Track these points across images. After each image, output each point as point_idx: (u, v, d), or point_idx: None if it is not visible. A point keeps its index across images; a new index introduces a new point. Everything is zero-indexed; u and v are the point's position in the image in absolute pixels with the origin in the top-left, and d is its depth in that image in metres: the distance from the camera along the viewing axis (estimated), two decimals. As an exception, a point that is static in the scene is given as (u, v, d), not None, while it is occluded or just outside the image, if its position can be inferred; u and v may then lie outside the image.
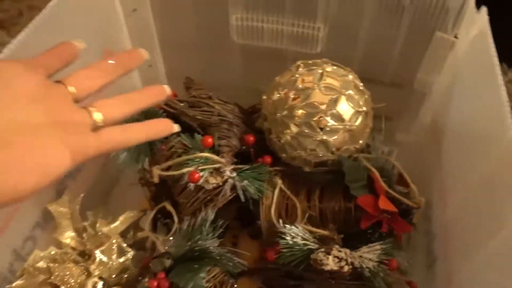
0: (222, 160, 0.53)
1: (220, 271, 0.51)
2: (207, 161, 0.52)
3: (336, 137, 0.53)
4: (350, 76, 0.54)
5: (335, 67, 0.54)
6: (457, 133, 0.52)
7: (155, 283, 0.49)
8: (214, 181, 0.53)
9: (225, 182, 0.54)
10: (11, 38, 0.46)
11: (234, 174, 0.54)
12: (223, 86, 0.64)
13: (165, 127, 0.43)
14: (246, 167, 0.55)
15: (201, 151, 0.53)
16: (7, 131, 0.30)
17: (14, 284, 0.53)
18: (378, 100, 0.56)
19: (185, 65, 0.69)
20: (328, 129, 0.52)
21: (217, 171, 0.54)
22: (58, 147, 0.32)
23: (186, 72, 0.67)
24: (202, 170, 0.52)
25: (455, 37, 0.52)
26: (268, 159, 0.57)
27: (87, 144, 0.34)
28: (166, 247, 0.55)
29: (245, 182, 0.54)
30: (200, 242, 0.50)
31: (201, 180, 0.52)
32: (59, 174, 0.32)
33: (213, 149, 0.55)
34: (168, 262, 0.51)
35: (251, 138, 0.57)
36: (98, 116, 0.36)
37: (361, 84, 0.54)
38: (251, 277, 0.58)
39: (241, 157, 0.58)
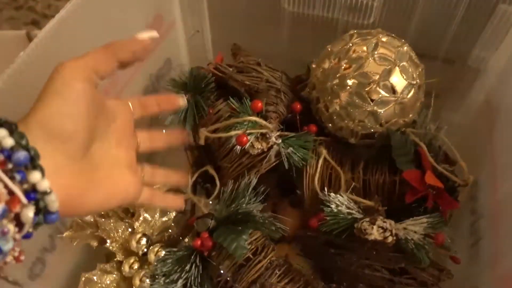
0: (270, 125, 0.53)
1: (262, 235, 0.52)
2: (255, 125, 0.52)
3: (386, 109, 0.52)
4: (405, 48, 0.52)
5: (390, 38, 0.53)
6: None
7: (199, 242, 0.50)
8: (259, 146, 0.53)
9: (270, 148, 0.54)
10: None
11: (280, 141, 0.54)
12: (269, 55, 0.64)
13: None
14: (292, 134, 0.55)
15: (250, 116, 0.53)
16: (101, 159, 0.36)
17: (64, 234, 0.55)
18: (428, 76, 0.55)
19: (232, 32, 0.68)
20: (379, 100, 0.51)
21: (263, 137, 0.54)
22: (129, 182, 0.40)
23: (232, 40, 0.67)
24: (249, 134, 0.52)
25: (520, 10, 0.50)
26: (313, 128, 0.57)
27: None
28: (209, 209, 0.56)
29: (290, 149, 0.54)
30: (243, 205, 0.51)
31: (247, 145, 0.52)
32: (121, 204, 0.39)
33: (261, 115, 0.55)
34: (211, 223, 0.52)
35: (298, 106, 0.57)
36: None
37: (415, 56, 0.53)
38: (290, 244, 0.59)
39: (286, 125, 0.58)
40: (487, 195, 0.52)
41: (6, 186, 0.26)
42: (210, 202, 0.61)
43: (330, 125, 0.56)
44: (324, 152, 0.56)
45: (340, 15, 0.60)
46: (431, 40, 0.59)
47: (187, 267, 0.50)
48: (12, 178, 0.26)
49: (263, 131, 0.53)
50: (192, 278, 0.49)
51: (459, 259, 0.49)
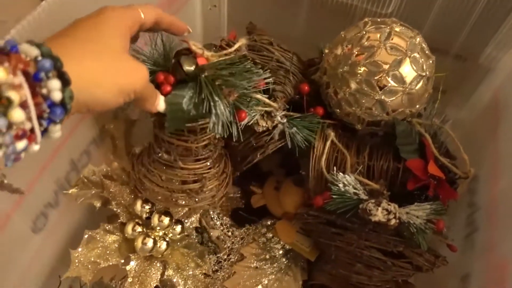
0: (274, 104, 0.53)
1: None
2: (259, 103, 0.53)
3: (394, 98, 0.53)
4: (418, 39, 0.53)
5: (403, 28, 0.53)
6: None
7: (162, 78, 0.46)
8: (264, 124, 0.54)
9: (275, 127, 0.55)
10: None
11: (285, 120, 0.55)
12: (284, 36, 0.64)
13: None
14: (297, 115, 0.56)
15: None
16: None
17: (70, 191, 0.55)
18: (438, 71, 0.56)
19: (249, 11, 0.69)
20: (387, 89, 0.52)
21: (269, 115, 0.54)
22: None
23: (249, 18, 0.67)
24: (253, 112, 0.52)
25: (537, 12, 0.52)
26: (320, 110, 0.57)
27: None
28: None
29: (294, 129, 0.55)
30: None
31: (251, 121, 0.52)
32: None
33: (268, 94, 0.55)
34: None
35: (305, 87, 0.57)
36: None
37: (427, 48, 0.54)
38: (291, 221, 0.60)
39: (294, 106, 0.59)
40: (487, 189, 0.54)
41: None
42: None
43: (338, 110, 0.57)
44: (332, 135, 0.57)
45: (359, 2, 0.61)
46: (446, 35, 0.60)
47: None
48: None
49: (268, 109, 0.53)
50: None
51: (456, 247, 0.51)
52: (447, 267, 0.51)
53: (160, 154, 0.53)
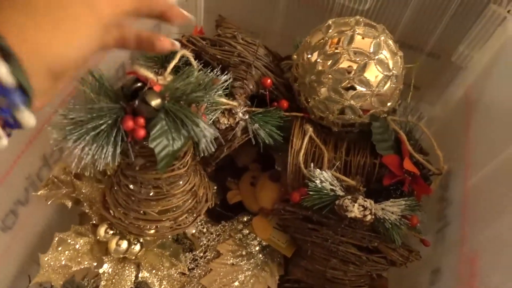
0: (233, 102, 0.53)
1: (192, 151, 0.48)
2: (217, 102, 0.50)
3: (363, 102, 0.53)
4: (383, 37, 0.52)
5: (367, 28, 0.53)
6: (493, 111, 0.53)
7: (131, 124, 0.39)
8: (226, 121, 0.54)
9: (237, 124, 0.54)
10: None
11: (247, 116, 0.55)
12: (262, 30, 0.64)
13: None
14: (260, 110, 0.56)
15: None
16: None
17: (39, 192, 0.53)
18: (411, 69, 0.57)
19: (225, 3, 0.68)
20: (355, 94, 0.52)
21: (229, 112, 0.54)
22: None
23: (226, 11, 0.66)
24: (214, 109, 0.51)
25: (508, 12, 0.53)
26: (284, 103, 0.57)
27: None
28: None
29: (256, 125, 0.55)
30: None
31: (211, 119, 0.51)
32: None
33: (228, 91, 0.54)
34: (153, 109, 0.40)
35: (268, 81, 0.57)
36: None
37: (393, 44, 0.53)
38: (267, 217, 0.60)
39: (259, 100, 0.58)
40: (458, 184, 0.56)
41: None
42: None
43: (312, 116, 0.57)
44: (310, 130, 0.57)
45: (337, -2, 0.61)
46: (421, 32, 0.61)
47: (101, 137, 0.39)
48: None
49: (227, 106, 0.53)
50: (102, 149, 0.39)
51: (429, 242, 0.52)
52: (417, 262, 0.53)
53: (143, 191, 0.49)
